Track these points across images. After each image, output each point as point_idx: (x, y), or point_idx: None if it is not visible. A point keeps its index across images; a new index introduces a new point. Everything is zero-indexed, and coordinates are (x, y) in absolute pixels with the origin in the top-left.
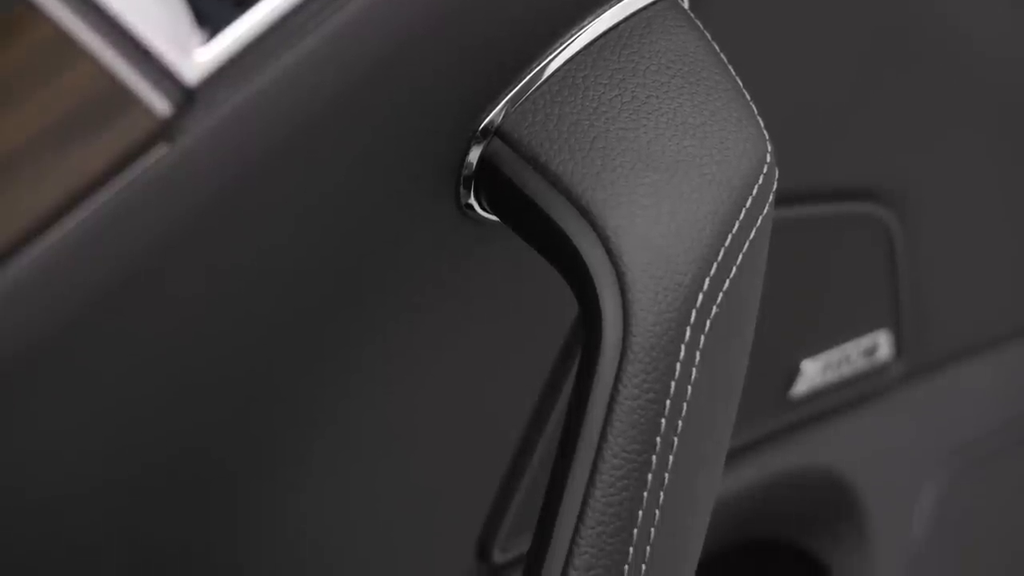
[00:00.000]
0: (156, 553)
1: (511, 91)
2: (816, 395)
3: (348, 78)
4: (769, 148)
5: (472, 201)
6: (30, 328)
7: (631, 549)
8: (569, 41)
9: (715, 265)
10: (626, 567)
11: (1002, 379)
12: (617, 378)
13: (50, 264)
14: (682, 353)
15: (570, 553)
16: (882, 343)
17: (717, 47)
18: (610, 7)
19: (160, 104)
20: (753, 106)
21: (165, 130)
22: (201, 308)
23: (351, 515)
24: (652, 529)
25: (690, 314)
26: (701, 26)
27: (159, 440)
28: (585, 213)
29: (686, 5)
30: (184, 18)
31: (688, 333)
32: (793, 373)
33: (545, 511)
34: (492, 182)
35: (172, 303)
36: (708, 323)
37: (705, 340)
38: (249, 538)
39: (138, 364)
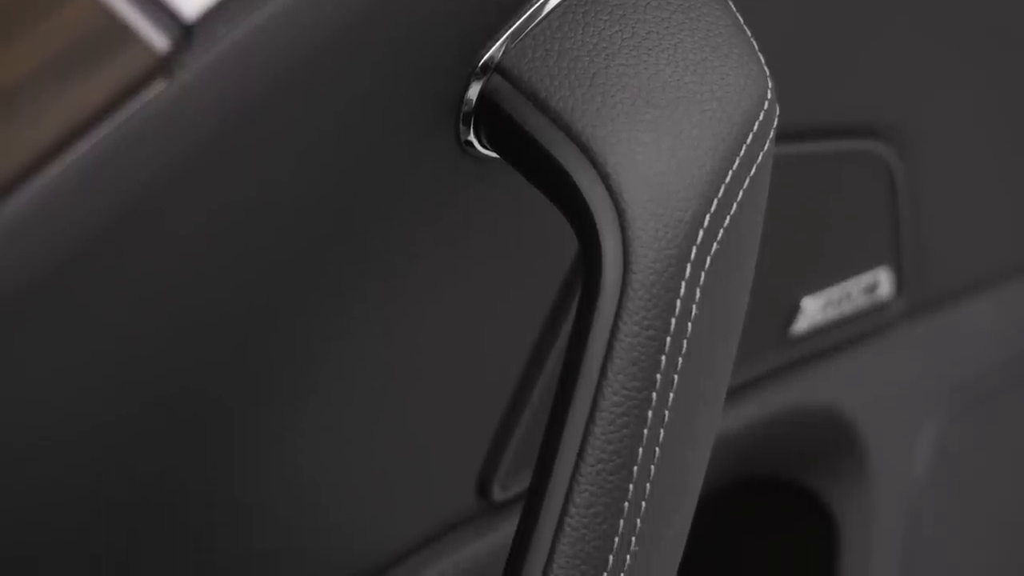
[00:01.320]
0: (155, 491)
1: (511, 27)
2: (816, 332)
3: (347, 13)
4: (770, 85)
5: (472, 138)
6: (29, 264)
7: (631, 486)
8: None
9: (715, 202)
10: (626, 504)
11: (1003, 317)
12: (617, 315)
13: (49, 200)
14: (682, 290)
15: (570, 490)
16: (883, 280)
17: None
18: None
19: (159, 40)
20: (754, 42)
21: (164, 66)
22: (200, 245)
23: (349, 453)
24: (652, 466)
25: (690, 251)
26: None
27: (158, 378)
28: (585, 150)
29: None
30: None
31: (688, 270)
32: (793, 310)
33: (545, 449)
34: (492, 119)
35: (171, 240)
36: (708, 260)
37: (705, 277)
38: (247, 476)
39: (138, 301)
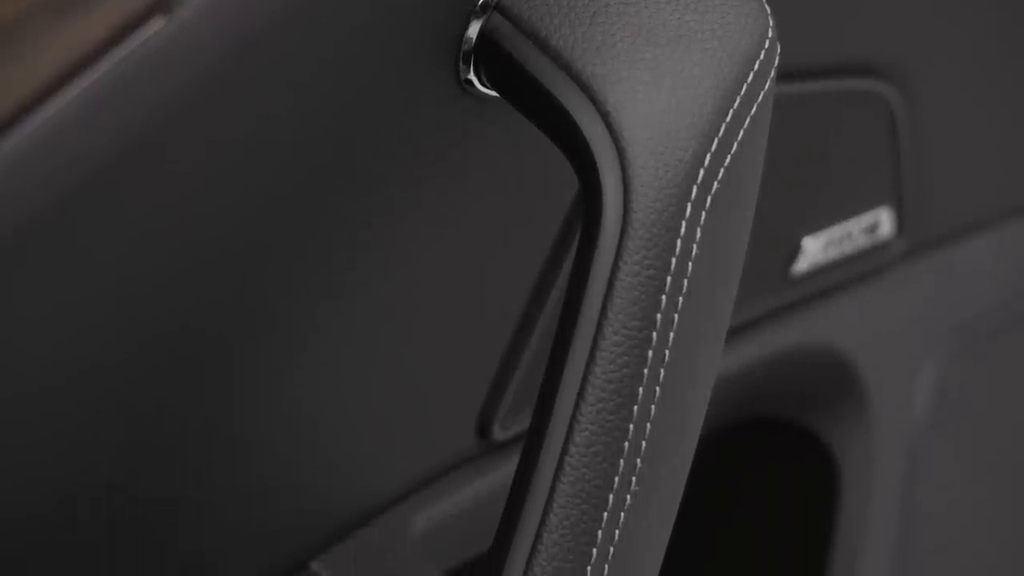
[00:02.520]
0: (154, 429)
1: None
2: (817, 272)
3: None
4: (771, 23)
5: (471, 76)
6: (30, 201)
7: (631, 426)
8: None
9: (716, 141)
10: (626, 444)
11: (1003, 256)
12: (617, 254)
13: (49, 136)
14: (683, 229)
15: (571, 430)
16: (883, 220)
17: None
18: None
19: None
20: None
21: (163, 2)
22: (200, 181)
23: (348, 393)
24: (652, 406)
25: (691, 190)
26: None
27: (157, 316)
28: (585, 88)
29: None
30: None
31: (689, 209)
32: (794, 250)
33: (545, 388)
34: (492, 57)
35: (171, 176)
36: (709, 199)
37: (706, 216)
38: (245, 415)
39: (137, 238)
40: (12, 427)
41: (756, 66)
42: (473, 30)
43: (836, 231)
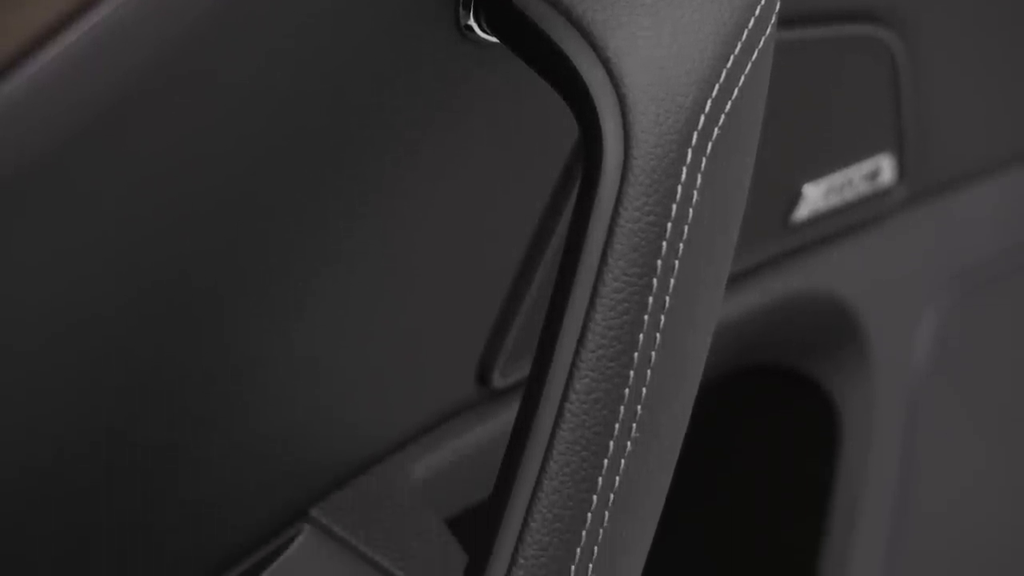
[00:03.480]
0: (153, 377)
1: None
2: (817, 219)
3: None
4: None
5: (471, 22)
6: (30, 145)
7: (632, 372)
8: None
9: (717, 87)
10: (626, 390)
11: (1004, 204)
12: (618, 201)
13: (48, 81)
14: (683, 175)
15: (570, 376)
16: (884, 167)
17: None
18: None
19: None
20: None
21: None
22: (198, 127)
23: (348, 340)
24: (653, 352)
25: (691, 136)
26: None
27: (156, 265)
28: (585, 35)
29: None
30: None
31: (689, 155)
32: (795, 197)
33: (545, 335)
34: (491, 3)
35: (169, 121)
36: (710, 146)
37: (707, 163)
38: (244, 363)
39: (136, 184)
40: (11, 373)
41: (757, 12)
42: None
43: (837, 178)
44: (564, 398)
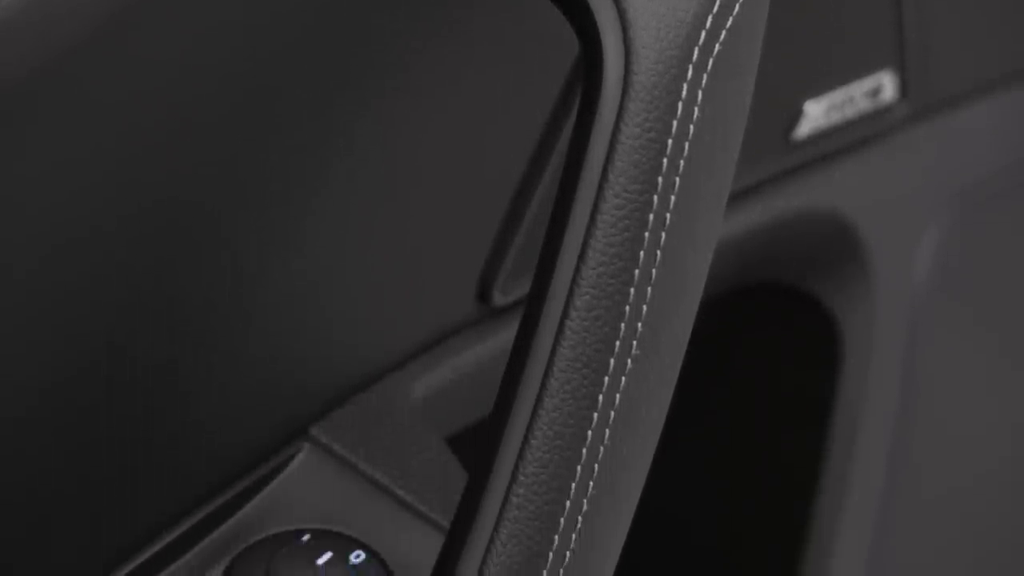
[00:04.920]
0: (153, 293)
1: None
2: (819, 137)
3: None
4: None
5: None
6: (31, 55)
7: (632, 290)
8: None
9: (718, 3)
10: (627, 308)
11: (1007, 121)
12: (618, 117)
13: None
14: (684, 91)
15: (571, 294)
16: (886, 84)
17: None
18: None
19: None
20: None
21: None
22: (199, 37)
23: (348, 257)
24: (653, 270)
25: (692, 52)
26: None
27: (157, 180)
28: None
29: None
30: None
31: (690, 71)
32: (796, 114)
33: (545, 252)
34: None
35: (170, 30)
36: (711, 62)
37: (708, 79)
38: (245, 280)
39: (138, 94)
40: (11, 287)
41: None
42: None
43: (838, 95)
44: (564, 315)
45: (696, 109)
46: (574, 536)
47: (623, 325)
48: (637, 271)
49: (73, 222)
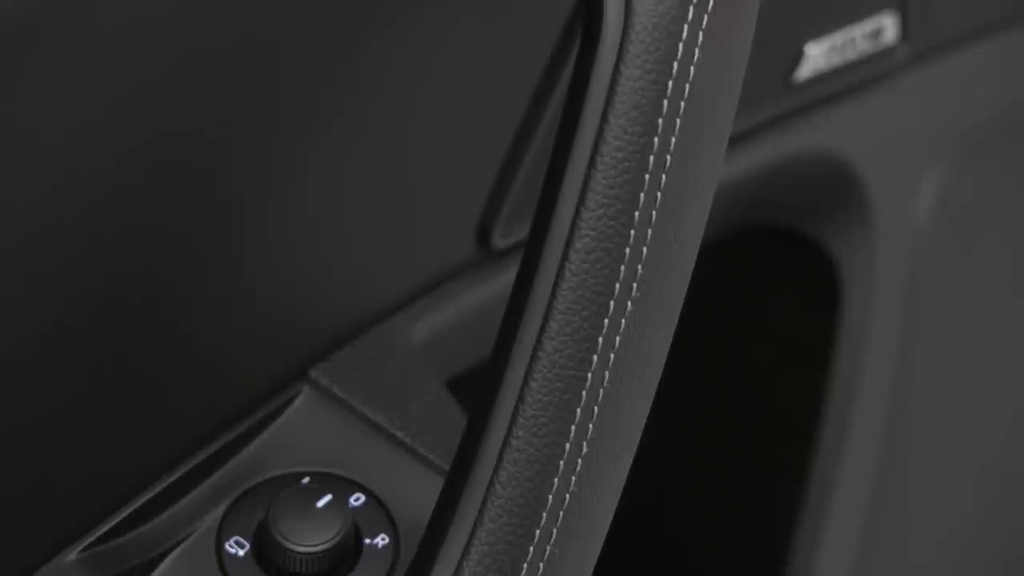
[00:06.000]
0: (151, 232)
1: None
2: (820, 79)
3: None
4: None
5: None
6: None
7: (632, 232)
8: None
9: None
10: (627, 250)
11: (1008, 63)
12: (618, 59)
13: None
14: (685, 33)
15: (571, 236)
16: (887, 26)
17: None
18: None
19: None
20: None
21: None
22: None
23: (348, 199)
24: (654, 212)
25: None
26: None
27: (157, 115)
28: None
29: None
30: None
31: (691, 12)
32: (797, 56)
33: (545, 195)
34: None
35: None
36: (711, 2)
37: (708, 20)
38: (244, 221)
39: (140, 22)
40: (10, 225)
41: None
42: None
43: (839, 37)
44: (564, 257)
45: (697, 50)
46: (574, 478)
47: (623, 268)
48: (637, 213)
49: (74, 157)
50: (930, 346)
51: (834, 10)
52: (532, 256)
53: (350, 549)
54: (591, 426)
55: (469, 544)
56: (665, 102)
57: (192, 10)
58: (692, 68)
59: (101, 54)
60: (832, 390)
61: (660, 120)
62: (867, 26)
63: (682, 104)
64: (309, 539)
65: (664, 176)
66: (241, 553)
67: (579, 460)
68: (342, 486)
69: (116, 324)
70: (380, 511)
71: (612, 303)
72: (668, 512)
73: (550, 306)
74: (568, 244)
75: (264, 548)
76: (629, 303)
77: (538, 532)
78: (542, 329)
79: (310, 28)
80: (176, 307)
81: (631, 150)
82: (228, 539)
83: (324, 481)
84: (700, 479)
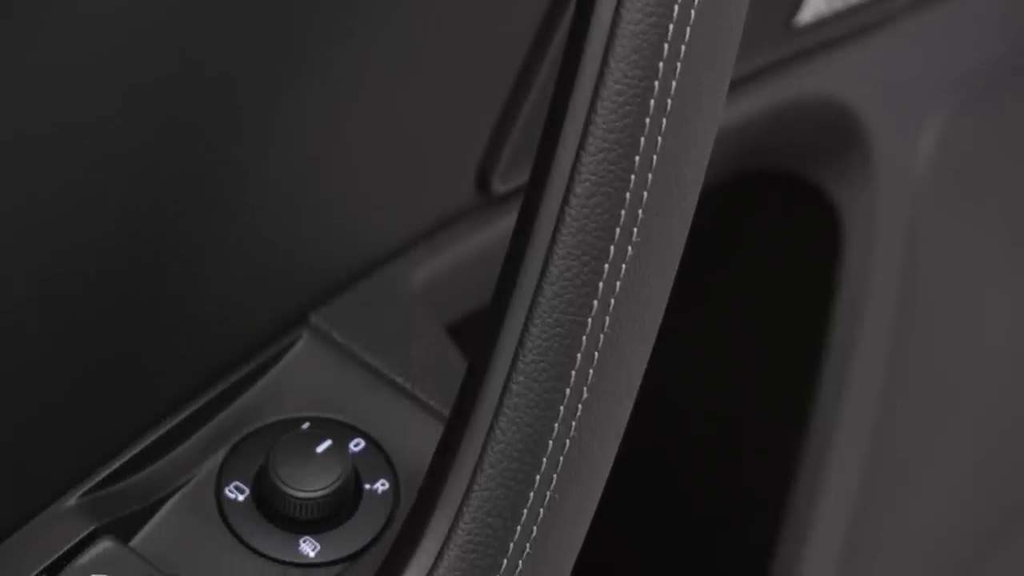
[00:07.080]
0: (150, 176)
1: None
2: (821, 23)
3: None
4: None
5: None
6: None
7: (632, 176)
8: None
9: None
10: (628, 195)
11: (1008, 6)
12: (619, 1)
13: None
14: None
15: (571, 180)
16: None
17: None
18: None
19: None
20: None
21: None
22: None
23: (348, 143)
24: (654, 155)
25: None
26: None
27: (160, 53)
28: None
29: None
30: None
31: None
32: (798, 0)
33: (545, 139)
34: None
35: None
36: None
37: None
38: (244, 165)
39: None
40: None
41: None
42: None
43: None
44: (564, 202)
45: None
46: (574, 423)
47: (623, 212)
48: (638, 158)
49: (74, 107)
50: (930, 290)
51: None
52: (532, 201)
53: (350, 494)
54: (591, 371)
55: (469, 489)
56: (666, 45)
57: None
58: (693, 11)
59: (102, 21)
60: (832, 334)
61: (661, 64)
62: None
63: (683, 47)
64: (309, 484)
65: (665, 120)
66: (241, 498)
67: (579, 405)
68: (342, 431)
69: (116, 270)
70: (380, 456)
71: (612, 248)
72: (668, 457)
73: (550, 251)
74: (568, 189)
75: (264, 493)
76: (629, 248)
77: (538, 477)
78: (542, 274)
79: None
80: (176, 252)
81: (632, 94)
82: (228, 484)
83: (324, 426)
84: (700, 424)
